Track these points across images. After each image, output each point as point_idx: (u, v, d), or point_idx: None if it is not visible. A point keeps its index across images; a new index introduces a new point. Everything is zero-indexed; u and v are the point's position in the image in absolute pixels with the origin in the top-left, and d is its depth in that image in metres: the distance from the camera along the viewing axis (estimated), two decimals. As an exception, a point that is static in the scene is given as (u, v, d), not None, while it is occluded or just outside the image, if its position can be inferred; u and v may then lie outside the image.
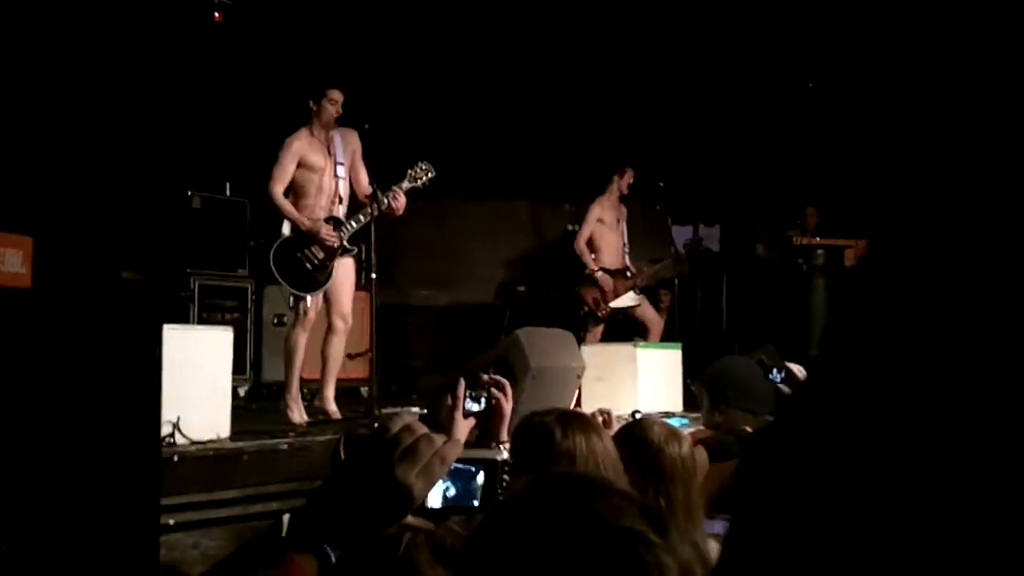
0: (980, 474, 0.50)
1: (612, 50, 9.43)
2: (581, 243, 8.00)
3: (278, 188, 6.11)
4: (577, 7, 8.95)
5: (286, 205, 6.12)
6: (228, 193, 8.06)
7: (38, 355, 2.44)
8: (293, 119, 6.41)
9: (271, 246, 6.16)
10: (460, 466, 1.38)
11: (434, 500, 1.35)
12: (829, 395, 0.58)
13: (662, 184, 9.08)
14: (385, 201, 6.17)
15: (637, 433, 2.90)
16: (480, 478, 1.40)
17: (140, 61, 3.31)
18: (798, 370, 3.90)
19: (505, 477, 1.42)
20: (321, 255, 6.19)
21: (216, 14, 7.16)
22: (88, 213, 2.65)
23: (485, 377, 2.96)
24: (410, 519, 1.30)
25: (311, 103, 6.29)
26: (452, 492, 1.39)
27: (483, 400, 2.88)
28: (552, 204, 10.39)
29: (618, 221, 8.30)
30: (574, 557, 1.00)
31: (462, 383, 2.86)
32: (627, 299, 7.89)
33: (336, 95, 6.25)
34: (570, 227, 9.97)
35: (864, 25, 9.11)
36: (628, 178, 8.11)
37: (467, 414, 2.84)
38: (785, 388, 3.76)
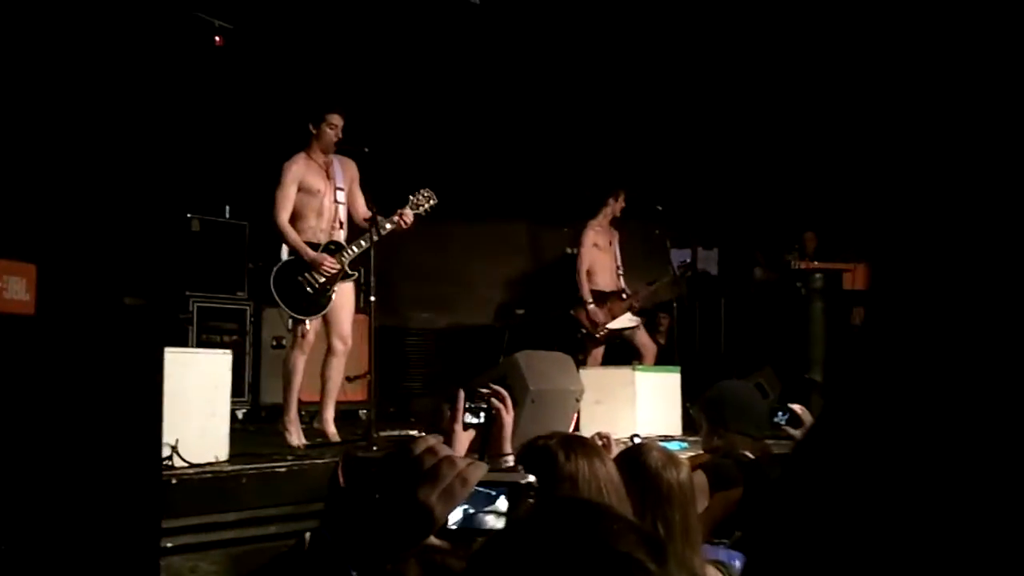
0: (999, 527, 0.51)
1: (611, 73, 9.47)
2: (583, 272, 7.97)
3: (284, 216, 6.15)
4: (576, 31, 9.01)
5: (291, 233, 6.15)
6: (227, 216, 8.08)
7: (41, 380, 2.45)
8: (292, 142, 6.44)
9: (271, 269, 6.17)
10: (482, 489, 1.38)
11: (455, 521, 1.36)
12: (847, 439, 0.59)
13: (660, 207, 9.10)
14: (387, 226, 6.19)
15: (635, 457, 2.90)
16: (502, 501, 1.40)
17: (140, 86, 3.33)
18: (801, 411, 3.90)
19: (530, 500, 1.42)
20: (322, 280, 6.21)
21: (216, 38, 7.20)
22: (90, 239, 2.67)
23: (484, 389, 2.96)
24: (432, 540, 1.30)
25: (311, 127, 6.31)
26: (474, 513, 1.39)
27: (482, 413, 2.88)
28: (551, 226, 10.42)
29: (611, 243, 8.30)
30: None
31: (461, 395, 2.86)
32: (625, 320, 7.89)
33: (336, 119, 6.28)
34: (569, 250, 9.99)
35: (864, 47, 9.16)
36: (621, 201, 8.11)
37: (467, 427, 2.84)
38: (792, 430, 3.75)
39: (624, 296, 7.94)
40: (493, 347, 8.81)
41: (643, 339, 8.00)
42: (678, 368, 7.62)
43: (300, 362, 6.22)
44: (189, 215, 7.66)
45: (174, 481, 4.36)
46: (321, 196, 6.24)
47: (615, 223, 8.29)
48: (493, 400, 2.89)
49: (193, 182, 7.69)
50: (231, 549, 4.19)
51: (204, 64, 7.16)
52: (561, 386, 5.93)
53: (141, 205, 3.01)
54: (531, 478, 1.47)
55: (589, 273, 7.82)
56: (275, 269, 6.16)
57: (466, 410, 2.84)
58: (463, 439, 2.86)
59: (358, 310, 8.18)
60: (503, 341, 8.85)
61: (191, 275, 7.60)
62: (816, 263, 8.95)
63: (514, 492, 1.41)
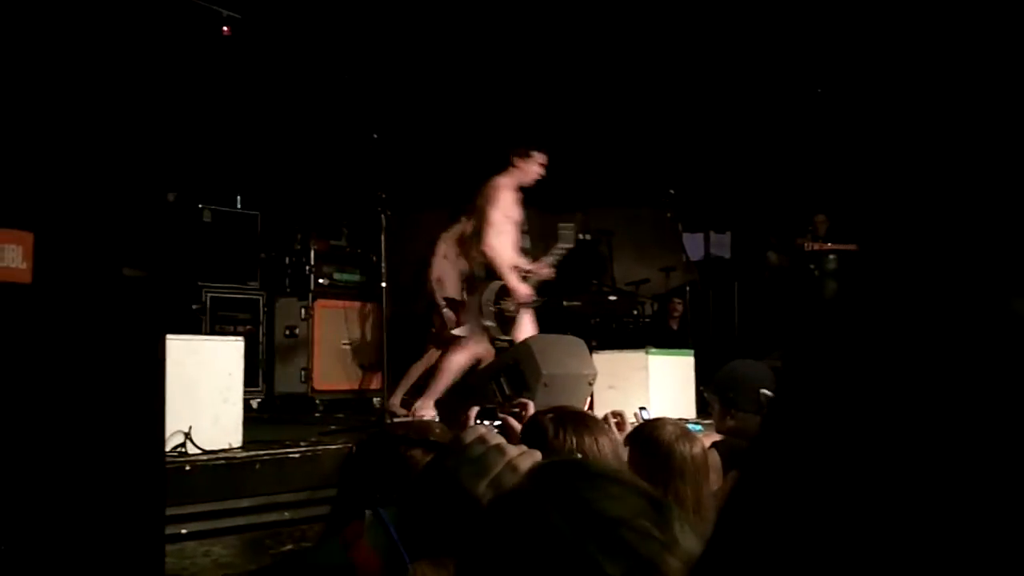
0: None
1: (621, 59, 9.44)
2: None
3: (499, 240, 6.37)
4: (586, 15, 8.97)
5: (509, 263, 6.42)
6: (239, 206, 8.09)
7: (38, 351, 2.44)
8: (302, 132, 6.45)
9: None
10: None
11: None
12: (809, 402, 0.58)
13: (673, 191, 9.07)
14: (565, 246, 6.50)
15: (648, 432, 2.89)
16: None
17: (147, 76, 3.33)
18: None
19: None
20: (513, 307, 6.52)
21: (225, 28, 7.19)
22: (90, 209, 2.66)
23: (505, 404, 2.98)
24: None
25: (515, 159, 6.50)
26: None
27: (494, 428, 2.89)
28: (564, 212, 10.39)
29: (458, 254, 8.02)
30: (561, 548, 0.98)
31: (474, 411, 2.90)
32: (461, 330, 7.77)
33: (544, 159, 6.51)
34: (582, 236, 9.97)
35: (873, 31, 9.10)
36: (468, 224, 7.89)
37: None
38: None
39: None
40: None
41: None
42: (692, 351, 7.59)
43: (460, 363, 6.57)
44: (200, 206, 7.67)
45: (188, 468, 4.37)
46: (518, 227, 6.53)
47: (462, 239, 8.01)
48: (500, 414, 2.88)
49: (204, 173, 7.71)
50: (244, 535, 4.20)
51: (212, 54, 7.16)
52: (574, 370, 5.92)
53: (141, 178, 3.00)
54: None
55: (439, 281, 7.74)
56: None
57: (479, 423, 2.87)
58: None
59: (370, 299, 8.22)
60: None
61: (203, 265, 7.61)
62: (829, 245, 8.90)
63: None
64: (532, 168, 6.69)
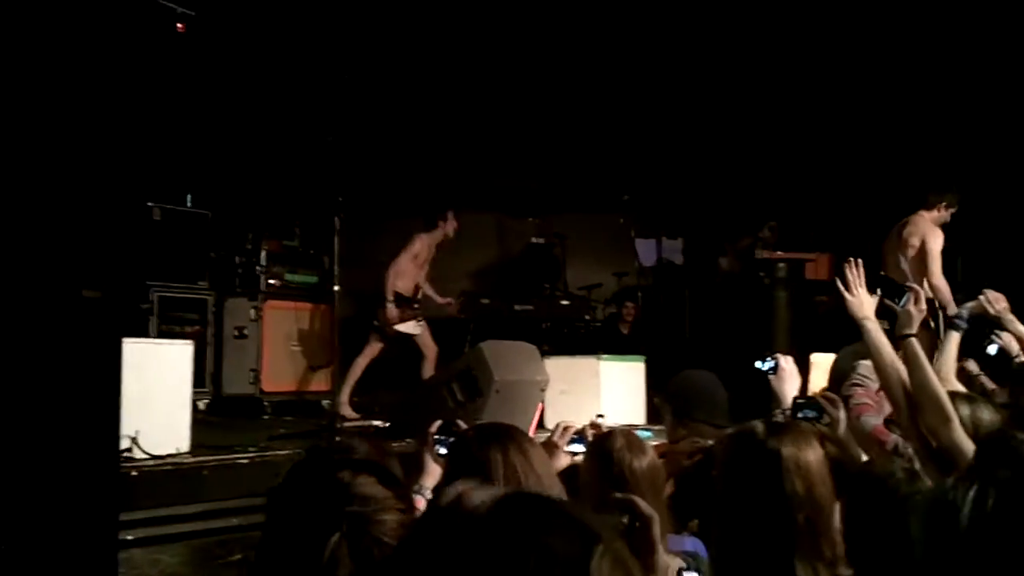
0: None
1: (576, 64, 9.46)
2: (391, 273, 7.73)
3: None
4: (541, 21, 8.99)
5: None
6: (189, 205, 7.97)
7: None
8: (255, 131, 6.37)
9: None
10: None
11: None
12: None
13: (627, 197, 9.11)
14: None
15: (601, 443, 2.90)
16: None
17: (100, 72, 3.27)
18: (784, 360, 3.86)
19: None
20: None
21: (179, 25, 7.08)
22: (47, 230, 2.61)
23: (462, 424, 3.01)
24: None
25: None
26: None
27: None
28: (517, 217, 10.42)
29: (427, 260, 8.07)
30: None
31: (435, 426, 2.92)
32: (410, 326, 7.81)
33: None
34: (534, 239, 10.00)
35: (824, 43, 9.23)
36: (452, 221, 7.96)
37: (438, 456, 2.91)
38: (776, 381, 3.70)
39: (415, 306, 7.80)
40: (458, 337, 8.79)
41: (426, 341, 7.95)
42: (643, 358, 7.64)
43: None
44: (150, 204, 7.54)
45: (134, 473, 4.30)
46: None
47: (442, 244, 8.06)
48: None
49: (154, 170, 7.59)
50: (193, 541, 4.14)
51: (165, 51, 7.05)
52: (526, 376, 5.93)
53: (99, 194, 2.95)
54: None
55: (400, 276, 7.71)
56: None
57: (438, 442, 2.91)
58: (435, 468, 2.92)
59: (321, 300, 8.14)
60: (468, 331, 8.82)
61: (152, 265, 7.49)
62: (779, 253, 8.98)
63: None
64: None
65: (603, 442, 2.90)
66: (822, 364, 5.92)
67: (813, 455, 2.32)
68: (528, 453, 2.49)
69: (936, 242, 7.16)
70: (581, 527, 1.04)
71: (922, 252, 7.15)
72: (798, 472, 2.26)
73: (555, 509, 1.07)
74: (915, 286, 3.33)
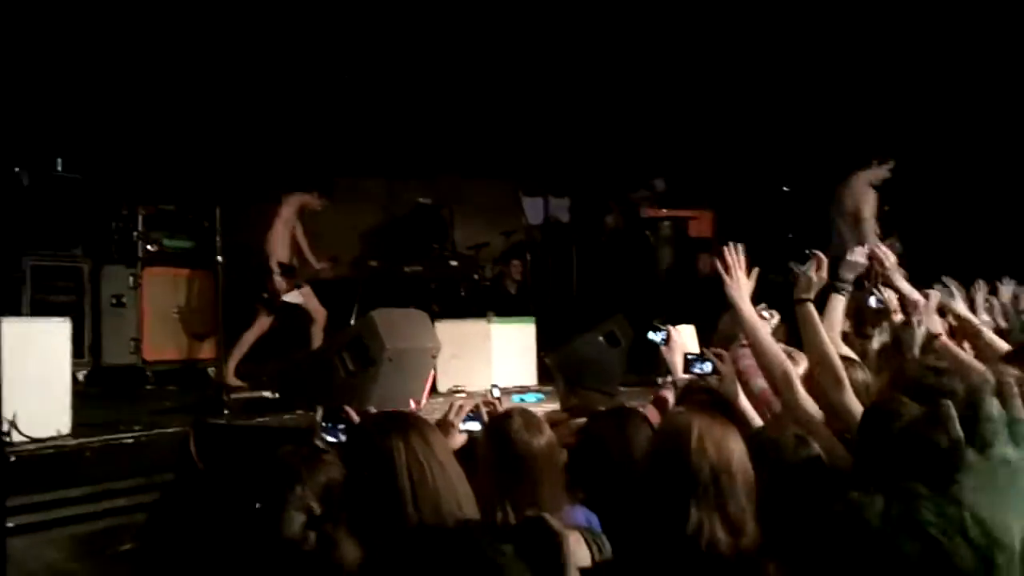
0: None
1: (460, 22, 9.37)
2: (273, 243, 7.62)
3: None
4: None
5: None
6: (60, 169, 7.62)
7: None
8: (127, 88, 6.07)
9: None
10: None
11: None
12: None
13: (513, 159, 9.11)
14: None
15: (500, 426, 2.91)
16: None
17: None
18: (676, 332, 3.94)
19: None
20: None
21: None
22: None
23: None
24: None
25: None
26: None
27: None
28: (404, 178, 10.32)
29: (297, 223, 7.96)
30: None
31: (320, 412, 2.89)
32: (293, 295, 7.74)
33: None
34: (421, 200, 9.92)
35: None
36: (317, 202, 7.85)
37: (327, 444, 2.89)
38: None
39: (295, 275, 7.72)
40: (347, 300, 8.68)
41: (314, 305, 7.88)
42: (533, 319, 7.69)
43: None
44: (16, 169, 7.19)
45: (12, 458, 4.14)
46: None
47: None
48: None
49: (22, 133, 7.23)
50: (80, 534, 4.01)
51: (33, 8, 6.69)
52: (418, 344, 5.91)
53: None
54: None
55: (276, 244, 7.58)
56: None
57: (325, 430, 2.92)
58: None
59: (203, 267, 7.91)
60: (357, 294, 8.73)
61: (22, 233, 7.16)
62: (664, 211, 9.14)
63: None
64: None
65: (501, 424, 2.91)
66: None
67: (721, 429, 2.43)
68: (430, 440, 2.49)
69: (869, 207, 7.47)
70: None
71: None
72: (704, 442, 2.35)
73: None
74: (818, 253, 3.42)
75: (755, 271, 3.40)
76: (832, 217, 7.67)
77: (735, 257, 3.33)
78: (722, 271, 3.33)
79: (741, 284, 3.33)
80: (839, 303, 4.12)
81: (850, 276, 4.12)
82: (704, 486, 2.30)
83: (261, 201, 7.85)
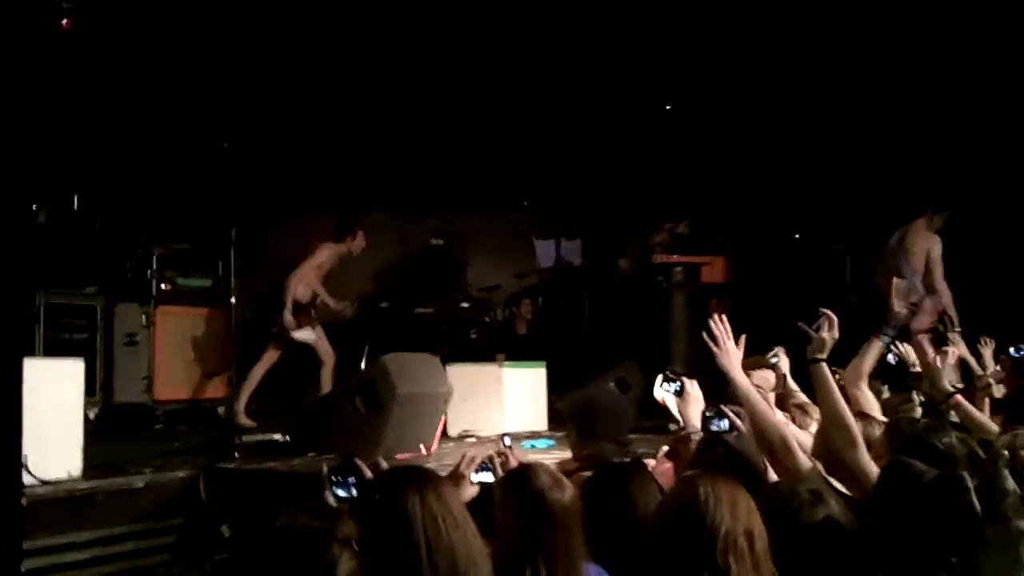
0: None
1: (475, 63, 9.41)
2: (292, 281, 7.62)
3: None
4: (439, 19, 8.90)
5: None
6: (76, 207, 7.67)
7: None
8: (143, 130, 6.12)
9: None
10: None
11: None
12: None
13: (527, 203, 9.13)
14: None
15: (524, 482, 2.88)
16: None
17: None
18: (691, 384, 3.92)
19: None
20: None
21: (64, 20, 6.80)
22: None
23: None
24: None
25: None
26: None
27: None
28: (414, 218, 10.35)
29: (329, 270, 8.00)
30: None
31: (327, 467, 2.85)
32: (305, 334, 7.73)
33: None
34: (433, 241, 9.94)
35: (719, 48, 9.39)
36: (361, 240, 7.89)
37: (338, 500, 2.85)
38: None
39: (311, 314, 7.74)
40: (358, 340, 8.68)
41: (324, 347, 7.87)
42: (544, 363, 7.66)
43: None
44: (35, 206, 7.23)
45: (24, 501, 4.12)
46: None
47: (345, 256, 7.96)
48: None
49: (39, 171, 7.27)
50: (85, 572, 3.99)
51: (49, 48, 6.75)
52: (430, 389, 5.89)
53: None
54: None
55: (298, 283, 7.59)
56: None
57: (336, 484, 2.83)
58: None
59: (216, 305, 7.93)
60: (368, 335, 8.73)
61: (37, 270, 7.19)
62: (676, 256, 9.11)
63: None
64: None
65: (527, 481, 2.87)
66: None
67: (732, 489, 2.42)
68: (445, 496, 2.48)
69: (936, 248, 7.52)
70: None
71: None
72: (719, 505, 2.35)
73: None
74: (829, 312, 3.40)
75: (742, 338, 3.39)
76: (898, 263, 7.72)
77: (721, 328, 3.33)
78: (710, 343, 3.32)
79: (731, 353, 3.33)
80: (875, 349, 4.09)
81: (895, 325, 4.09)
82: (719, 552, 2.31)
83: (277, 239, 7.89)
